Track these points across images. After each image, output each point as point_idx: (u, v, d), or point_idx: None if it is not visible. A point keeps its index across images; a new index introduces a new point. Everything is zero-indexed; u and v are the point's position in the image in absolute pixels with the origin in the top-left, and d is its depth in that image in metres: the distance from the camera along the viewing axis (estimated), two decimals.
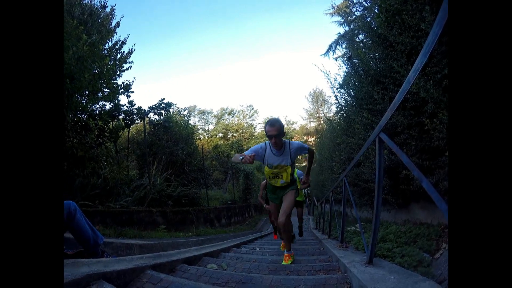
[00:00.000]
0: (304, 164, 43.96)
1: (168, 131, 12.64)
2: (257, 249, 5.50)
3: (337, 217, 5.90)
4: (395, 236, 3.73)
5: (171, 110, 13.15)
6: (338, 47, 19.34)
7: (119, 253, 3.76)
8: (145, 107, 10.52)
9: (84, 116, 7.89)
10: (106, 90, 7.98)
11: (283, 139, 3.95)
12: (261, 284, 2.69)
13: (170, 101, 12.04)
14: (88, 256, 2.89)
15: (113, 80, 8.11)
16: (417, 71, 1.53)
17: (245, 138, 44.89)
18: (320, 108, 43.30)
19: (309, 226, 14.60)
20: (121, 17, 9.76)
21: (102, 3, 9.52)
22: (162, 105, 11.94)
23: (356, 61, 5.67)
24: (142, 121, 10.42)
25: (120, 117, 9.72)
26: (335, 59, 16.83)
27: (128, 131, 10.70)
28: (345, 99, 7.04)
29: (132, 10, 58.41)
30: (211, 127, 49.26)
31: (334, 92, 7.28)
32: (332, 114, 21.25)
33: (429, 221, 4.13)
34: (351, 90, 6.25)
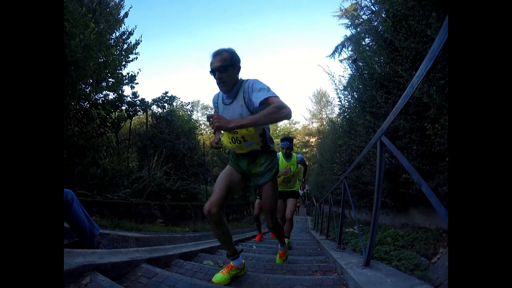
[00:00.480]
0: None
1: (170, 125, 12.64)
2: (254, 247, 5.50)
3: (335, 218, 5.91)
4: (392, 239, 3.73)
5: (174, 103, 13.17)
6: (344, 49, 19.31)
7: (115, 245, 3.76)
8: (148, 99, 10.53)
9: (86, 104, 7.89)
10: (110, 80, 7.96)
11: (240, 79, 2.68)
12: (256, 283, 2.69)
13: (174, 94, 12.05)
14: (83, 246, 2.89)
15: (118, 70, 8.09)
16: (421, 76, 1.53)
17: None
18: (323, 109, 43.20)
19: (307, 226, 14.61)
20: (130, 7, 9.74)
21: None
22: (166, 98, 11.95)
23: (361, 64, 5.66)
24: (144, 113, 10.42)
25: (123, 107, 9.72)
26: (341, 61, 16.79)
27: (130, 122, 10.71)
28: (349, 101, 7.04)
29: (141, 3, 58.32)
30: None
31: (337, 93, 7.28)
32: (334, 115, 21.24)
33: (427, 226, 4.14)
34: (354, 93, 6.25)
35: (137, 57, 8.99)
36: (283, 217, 5.18)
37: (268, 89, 2.49)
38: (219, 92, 2.76)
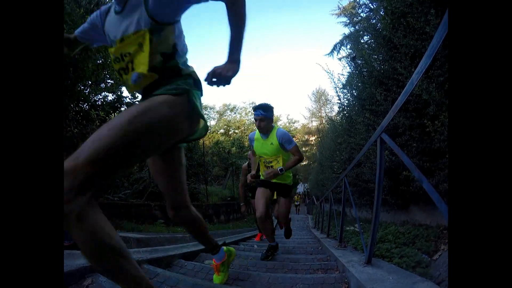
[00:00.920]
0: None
1: None
2: (255, 246, 5.51)
3: (336, 217, 5.90)
4: (394, 236, 3.73)
5: None
6: (342, 47, 19.26)
7: None
8: None
9: (86, 106, 7.87)
10: (109, 81, 7.93)
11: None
12: (258, 282, 2.69)
13: None
14: None
15: None
16: (421, 73, 1.53)
17: (246, 135, 44.80)
18: (322, 108, 43.21)
19: (307, 225, 14.62)
20: None
21: None
22: None
23: (360, 62, 5.66)
24: None
25: (122, 108, 9.69)
26: (339, 59, 16.78)
27: None
28: (348, 99, 7.04)
29: None
30: (213, 122, 49.07)
31: (337, 92, 7.29)
32: (334, 114, 21.27)
33: (428, 223, 4.14)
34: (354, 91, 6.26)
35: None
36: (266, 214, 3.89)
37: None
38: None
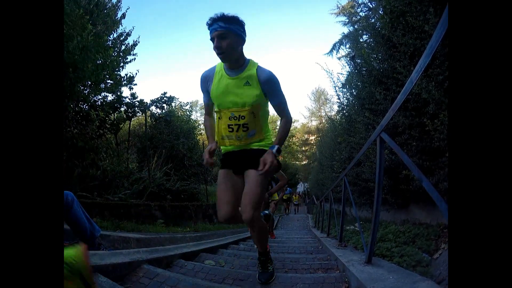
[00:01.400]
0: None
1: (170, 125, 12.61)
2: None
3: (336, 216, 5.91)
4: (394, 235, 3.73)
5: (173, 104, 13.16)
6: (342, 47, 19.26)
7: (116, 246, 3.75)
8: (147, 100, 10.52)
9: (85, 106, 7.88)
10: (109, 81, 7.95)
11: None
12: (258, 282, 2.69)
13: (172, 95, 12.04)
14: None
15: (116, 71, 8.05)
16: (420, 71, 1.53)
17: None
18: (322, 107, 43.23)
19: (308, 224, 14.61)
20: (127, 8, 9.69)
21: None
22: (164, 98, 11.95)
23: (359, 61, 5.66)
24: (143, 114, 10.41)
25: (122, 109, 9.71)
26: (339, 58, 16.76)
27: (129, 124, 10.69)
28: (347, 99, 7.05)
29: (138, 2, 58.25)
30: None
31: (336, 91, 7.29)
32: (333, 113, 21.26)
33: (428, 222, 4.14)
34: (353, 90, 6.26)
35: (135, 58, 8.97)
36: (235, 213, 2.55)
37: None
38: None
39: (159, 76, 76.82)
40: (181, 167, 12.43)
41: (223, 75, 2.41)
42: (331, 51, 19.92)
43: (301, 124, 49.08)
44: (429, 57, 1.42)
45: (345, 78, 7.07)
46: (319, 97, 43.80)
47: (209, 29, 2.23)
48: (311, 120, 45.84)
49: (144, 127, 11.31)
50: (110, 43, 8.67)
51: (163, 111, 12.43)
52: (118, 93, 8.99)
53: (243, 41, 2.33)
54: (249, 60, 2.43)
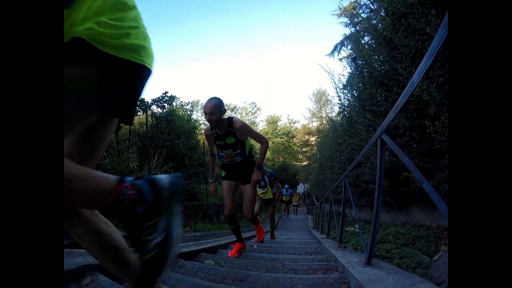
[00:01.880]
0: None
1: (170, 125, 12.61)
2: (255, 246, 5.50)
3: (336, 217, 5.91)
4: (394, 237, 3.73)
5: (174, 103, 13.15)
6: (343, 48, 19.26)
7: None
8: (148, 99, 10.51)
9: None
10: None
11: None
12: (258, 282, 2.69)
13: (173, 94, 12.04)
14: None
15: None
16: (421, 73, 1.53)
17: None
18: (322, 108, 43.24)
19: (307, 225, 14.61)
20: None
21: None
22: (165, 98, 11.94)
23: (360, 62, 5.66)
24: (144, 113, 10.41)
25: None
26: (340, 59, 16.75)
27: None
28: (348, 100, 7.04)
29: (138, 2, 58.18)
30: None
31: (337, 92, 7.26)
32: (334, 114, 21.24)
33: (428, 223, 4.14)
34: (354, 91, 6.25)
35: None
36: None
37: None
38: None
39: (160, 74, 76.99)
40: (182, 166, 12.43)
41: None
42: (332, 52, 19.92)
43: (301, 125, 49.13)
44: (431, 59, 1.42)
45: (346, 79, 7.06)
46: (320, 98, 43.83)
47: None
48: (312, 121, 45.89)
49: (144, 126, 11.31)
50: None
51: (164, 110, 12.43)
52: None
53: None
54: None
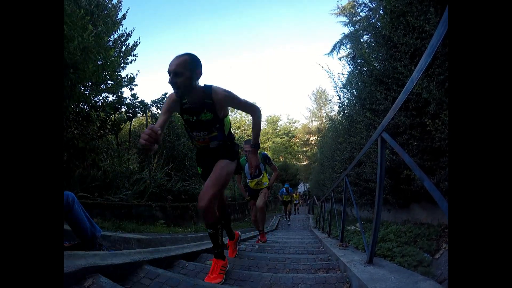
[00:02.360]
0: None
1: (170, 125, 12.59)
2: (256, 246, 5.50)
3: (337, 216, 5.90)
4: (395, 235, 3.73)
5: None
6: (342, 47, 19.26)
7: (117, 246, 3.76)
8: (148, 100, 10.50)
9: (86, 107, 7.87)
10: (109, 82, 7.94)
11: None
12: (259, 282, 2.68)
13: None
14: (85, 248, 2.88)
15: (117, 72, 8.06)
16: (421, 71, 1.53)
17: (247, 135, 44.87)
18: (322, 107, 43.25)
19: (308, 224, 14.60)
20: (128, 9, 9.77)
21: None
22: (165, 99, 11.92)
23: (360, 61, 5.66)
24: (144, 115, 10.40)
25: (123, 109, 9.68)
26: (339, 59, 16.75)
27: (130, 124, 10.68)
28: (348, 99, 7.04)
29: (138, 3, 58.30)
30: None
31: (337, 91, 7.27)
32: (334, 113, 21.25)
33: (429, 221, 4.13)
34: (354, 90, 6.25)
35: (135, 59, 9.00)
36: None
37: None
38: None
39: (160, 74, 76.83)
40: (182, 167, 12.43)
41: None
42: (331, 51, 19.94)
43: (301, 125, 49.13)
44: (430, 57, 1.42)
45: (345, 78, 7.05)
46: (320, 97, 43.84)
47: None
48: (312, 121, 45.88)
49: (145, 128, 11.29)
50: (110, 43, 8.73)
51: None
52: (119, 94, 8.96)
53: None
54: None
